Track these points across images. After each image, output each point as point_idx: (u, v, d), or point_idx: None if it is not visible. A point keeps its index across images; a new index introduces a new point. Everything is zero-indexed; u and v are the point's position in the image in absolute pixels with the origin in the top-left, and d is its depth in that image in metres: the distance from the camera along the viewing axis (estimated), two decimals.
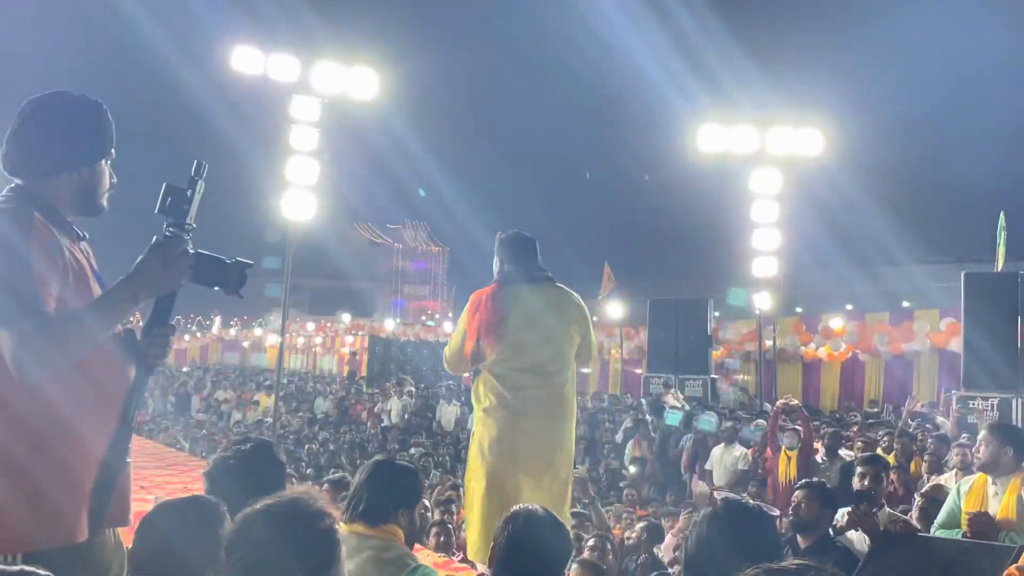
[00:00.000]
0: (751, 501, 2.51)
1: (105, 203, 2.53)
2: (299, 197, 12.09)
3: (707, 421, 11.33)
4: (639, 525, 7.13)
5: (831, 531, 4.78)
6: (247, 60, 12.16)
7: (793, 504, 4.68)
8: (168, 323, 2.44)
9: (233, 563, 1.87)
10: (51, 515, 2.26)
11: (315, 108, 12.39)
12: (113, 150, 2.53)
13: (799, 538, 4.60)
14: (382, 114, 15.71)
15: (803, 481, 4.93)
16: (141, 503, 5.58)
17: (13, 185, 2.41)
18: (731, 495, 2.49)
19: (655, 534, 7.02)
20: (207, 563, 2.34)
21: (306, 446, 14.63)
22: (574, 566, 4.91)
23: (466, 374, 4.86)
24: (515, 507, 2.92)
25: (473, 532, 4.53)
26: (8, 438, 2.23)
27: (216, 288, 2.56)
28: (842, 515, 4.84)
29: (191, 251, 2.43)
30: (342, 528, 2.76)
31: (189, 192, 2.43)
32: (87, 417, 2.32)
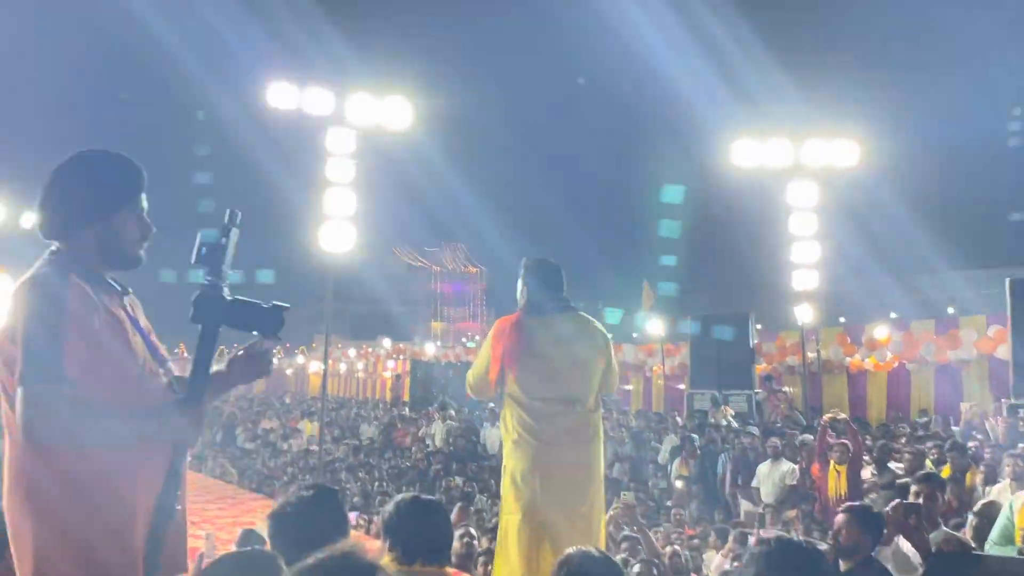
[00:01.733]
0: (802, 539, 2.50)
1: (139, 254, 2.56)
2: (337, 228, 12.22)
3: None
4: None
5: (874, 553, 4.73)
6: (282, 95, 12.34)
7: (834, 529, 4.63)
8: (201, 404, 2.47)
9: None
10: (109, 566, 2.31)
11: (350, 140, 12.53)
12: (140, 200, 2.56)
13: (840, 562, 4.53)
14: (417, 141, 15.84)
15: (845, 505, 4.86)
16: (193, 539, 5.67)
17: (51, 248, 2.49)
18: (783, 534, 2.48)
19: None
20: None
21: (358, 473, 14.69)
22: None
23: (490, 400, 4.87)
24: (570, 550, 2.93)
25: (506, 568, 4.49)
26: (58, 495, 2.28)
27: (254, 333, 2.62)
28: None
29: (228, 298, 2.48)
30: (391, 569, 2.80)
31: (223, 240, 2.48)
32: (137, 470, 2.37)
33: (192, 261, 2.46)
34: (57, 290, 2.33)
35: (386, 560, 3.02)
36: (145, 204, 2.58)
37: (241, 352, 2.62)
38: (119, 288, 2.57)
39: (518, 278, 4.72)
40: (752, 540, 6.90)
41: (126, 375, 2.42)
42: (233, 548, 4.12)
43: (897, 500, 5.06)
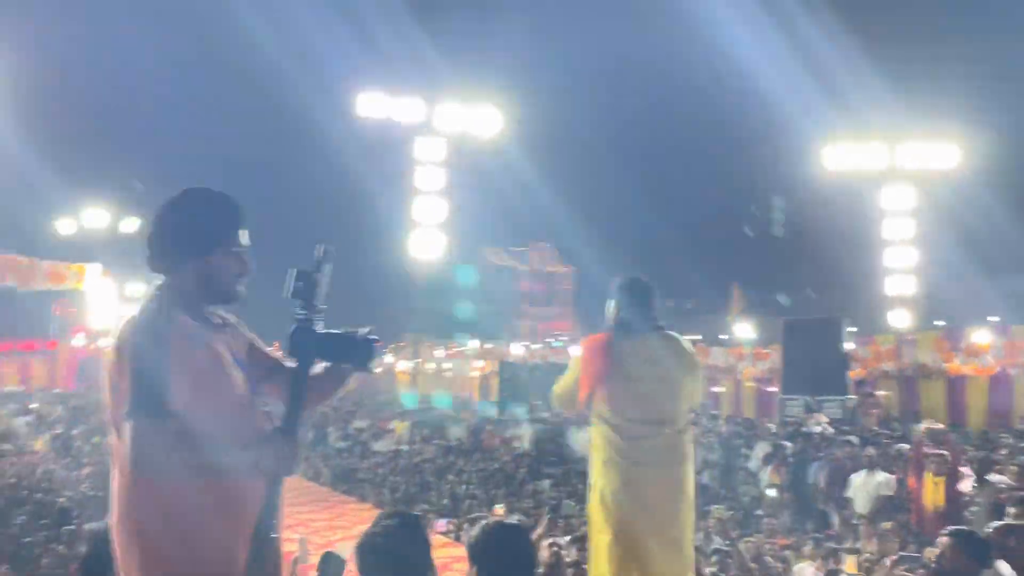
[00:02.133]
0: None
1: (238, 289, 2.67)
2: (426, 236, 12.38)
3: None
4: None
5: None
6: (373, 104, 12.54)
7: (938, 552, 4.51)
8: (296, 436, 2.55)
9: None
10: None
11: (440, 147, 12.68)
12: (239, 237, 2.65)
13: None
14: (505, 147, 15.94)
15: (951, 529, 4.72)
16: (288, 543, 5.82)
17: (159, 283, 2.61)
18: None
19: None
20: None
21: (446, 475, 14.81)
22: None
23: (577, 415, 4.87)
24: None
25: None
26: (162, 527, 2.40)
27: (347, 365, 2.69)
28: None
29: (322, 331, 2.57)
30: None
31: (316, 276, 2.56)
32: (236, 502, 2.47)
33: (285, 295, 2.54)
34: (162, 327, 2.45)
35: None
36: (245, 240, 2.67)
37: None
38: (220, 322, 2.67)
39: (610, 296, 4.73)
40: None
41: (225, 409, 2.52)
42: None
43: (1000, 523, 4.89)
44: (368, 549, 3.07)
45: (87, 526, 3.59)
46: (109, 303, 23.94)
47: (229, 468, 2.44)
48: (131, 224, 26.53)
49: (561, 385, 4.78)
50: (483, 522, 3.34)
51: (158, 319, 2.48)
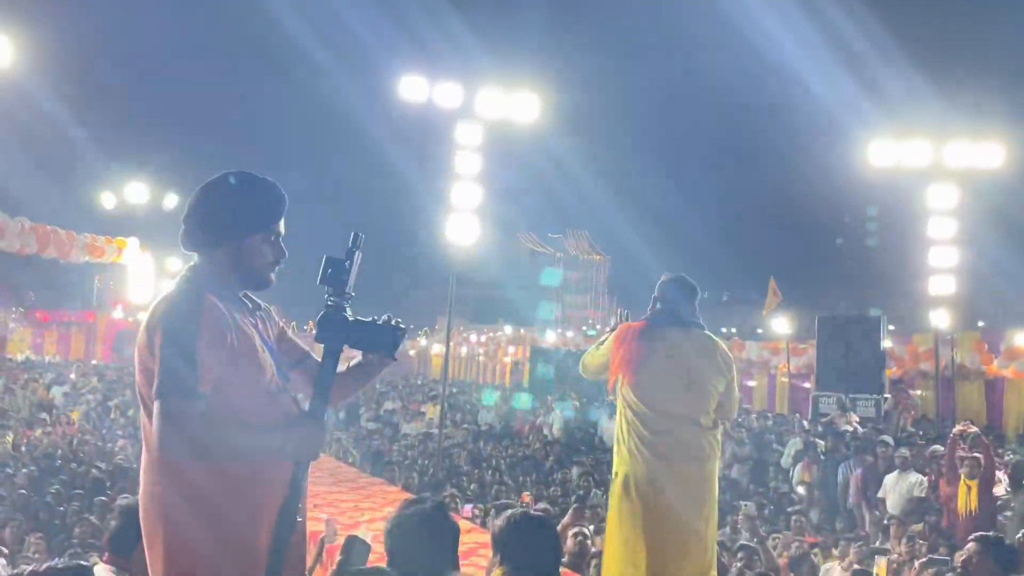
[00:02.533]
0: None
1: (270, 277, 2.65)
2: (463, 220, 12.43)
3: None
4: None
5: None
6: (414, 88, 12.58)
7: (964, 557, 4.45)
8: (323, 420, 2.58)
9: None
10: (234, 574, 2.43)
11: (478, 133, 12.71)
12: (277, 226, 2.65)
13: None
14: (544, 133, 15.91)
15: (978, 535, 4.65)
16: (315, 522, 5.85)
17: (191, 263, 2.61)
18: None
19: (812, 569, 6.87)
20: None
21: (476, 461, 14.86)
22: None
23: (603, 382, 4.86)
24: None
25: (609, 567, 4.52)
26: (188, 507, 2.41)
27: (372, 353, 2.71)
28: None
29: (351, 318, 2.58)
30: None
31: (348, 263, 2.57)
32: (262, 483, 2.48)
33: (318, 282, 2.55)
34: (193, 307, 2.44)
35: (497, 574, 3.06)
36: (282, 229, 2.67)
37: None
38: (251, 304, 2.67)
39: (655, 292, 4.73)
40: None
41: (254, 391, 2.52)
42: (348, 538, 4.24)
43: None
44: (396, 533, 3.08)
45: (119, 500, 3.62)
46: (148, 278, 24.20)
47: (255, 451, 2.45)
48: (171, 200, 26.83)
49: (592, 356, 4.83)
50: (508, 512, 3.32)
51: (189, 299, 2.47)
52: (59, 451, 12.47)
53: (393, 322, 2.66)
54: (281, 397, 2.61)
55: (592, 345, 4.93)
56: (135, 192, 27.82)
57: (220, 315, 2.47)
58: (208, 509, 2.41)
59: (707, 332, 4.68)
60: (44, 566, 2.66)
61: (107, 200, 28.69)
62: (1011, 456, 10.67)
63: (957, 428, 9.62)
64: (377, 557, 3.62)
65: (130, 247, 23.57)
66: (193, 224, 2.59)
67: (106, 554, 3.34)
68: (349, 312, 2.58)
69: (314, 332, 2.58)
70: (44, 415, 16.59)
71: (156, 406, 2.34)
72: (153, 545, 2.46)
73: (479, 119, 12.79)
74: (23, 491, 9.63)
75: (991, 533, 4.82)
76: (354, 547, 2.84)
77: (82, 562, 3.02)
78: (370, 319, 2.63)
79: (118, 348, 35.27)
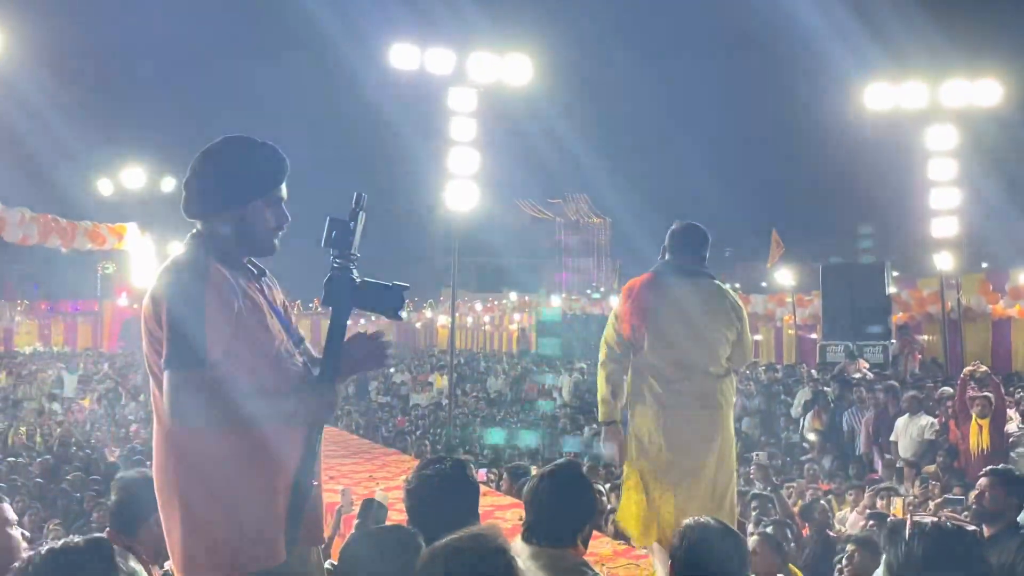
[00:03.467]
0: (957, 524, 2.39)
1: (274, 243, 2.62)
2: (461, 187, 12.38)
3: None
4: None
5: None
6: (405, 56, 12.46)
7: (976, 492, 4.44)
8: (334, 383, 2.56)
9: None
10: (253, 540, 2.42)
11: (472, 98, 12.61)
12: (279, 190, 2.61)
13: (984, 527, 4.32)
14: (538, 96, 15.79)
15: (988, 468, 4.63)
16: (330, 494, 5.88)
17: (193, 231, 2.57)
18: (931, 519, 2.36)
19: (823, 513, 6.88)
20: None
21: (487, 427, 14.90)
22: (754, 538, 4.85)
23: (626, 364, 4.69)
24: (688, 521, 2.89)
25: (631, 522, 4.49)
26: (203, 475, 2.40)
27: (378, 313, 2.68)
28: None
29: (358, 280, 2.55)
30: (517, 546, 2.83)
31: (352, 224, 2.54)
32: (276, 448, 2.46)
33: (322, 244, 2.52)
34: (199, 275, 2.41)
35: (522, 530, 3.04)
36: (284, 194, 2.63)
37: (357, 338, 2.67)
38: (256, 271, 2.64)
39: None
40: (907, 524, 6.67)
41: (264, 357, 2.50)
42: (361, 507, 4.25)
43: None
44: (418, 491, 3.07)
45: (118, 476, 3.61)
46: (150, 263, 24.19)
47: (269, 416, 2.43)
48: (169, 183, 26.67)
49: (608, 334, 4.64)
50: (544, 469, 3.23)
51: (194, 268, 2.45)
52: (73, 438, 12.53)
53: (395, 283, 2.63)
54: (291, 362, 2.59)
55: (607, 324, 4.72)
56: (132, 177, 27.65)
57: (226, 282, 2.45)
58: (223, 477, 2.41)
59: (716, 281, 4.59)
60: (61, 542, 2.67)
61: (104, 187, 28.53)
62: (1021, 394, 10.68)
63: (967, 369, 9.63)
64: (393, 521, 3.64)
65: (130, 233, 23.49)
66: (194, 191, 2.56)
67: (107, 530, 3.32)
68: (355, 274, 2.55)
69: (322, 295, 2.55)
70: (55, 405, 16.66)
71: (166, 375, 2.33)
72: (170, 516, 2.46)
73: (472, 83, 12.70)
74: (39, 480, 9.69)
75: (1001, 466, 4.79)
76: (372, 508, 2.84)
77: (99, 535, 3.02)
78: (376, 280, 2.60)
79: (125, 336, 35.33)
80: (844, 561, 5.09)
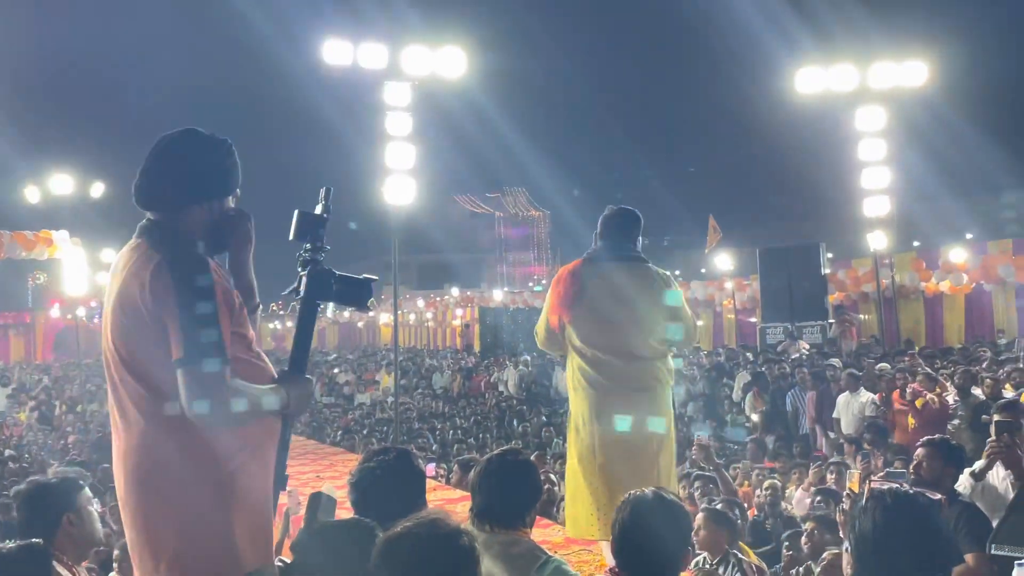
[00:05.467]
0: (911, 489, 2.41)
1: (230, 241, 2.55)
2: (399, 182, 12.29)
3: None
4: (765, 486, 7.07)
5: (972, 476, 4.63)
6: (338, 52, 12.32)
7: (914, 463, 4.52)
8: (305, 374, 2.57)
9: None
10: (252, 539, 2.40)
11: (406, 93, 12.52)
12: (239, 190, 2.56)
13: None
14: (473, 88, 15.75)
15: (925, 439, 4.71)
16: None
17: (153, 220, 2.44)
18: (893, 486, 2.38)
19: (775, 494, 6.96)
20: None
21: (434, 423, 14.87)
22: (700, 515, 4.85)
23: (560, 353, 4.71)
24: (626, 495, 2.88)
25: (573, 510, 4.50)
26: (206, 470, 2.34)
27: (350, 306, 2.72)
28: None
29: (336, 274, 2.55)
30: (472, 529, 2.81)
31: (325, 216, 2.55)
32: (265, 442, 2.45)
33: (291, 237, 2.51)
34: (203, 267, 2.32)
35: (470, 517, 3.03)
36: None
37: None
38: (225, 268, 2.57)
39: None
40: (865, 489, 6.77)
41: (247, 352, 2.45)
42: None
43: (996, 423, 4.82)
44: (363, 482, 3.03)
45: (13, 491, 3.51)
46: (82, 271, 23.61)
47: (265, 410, 2.39)
48: (98, 189, 25.98)
49: (540, 324, 4.64)
50: (492, 454, 3.23)
51: (196, 260, 2.35)
52: (9, 452, 12.20)
53: (364, 276, 2.64)
54: (263, 357, 2.55)
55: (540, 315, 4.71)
56: (60, 183, 26.93)
57: (224, 275, 2.40)
58: (228, 475, 2.35)
59: (650, 264, 4.51)
60: None
61: (31, 194, 27.74)
62: (954, 368, 10.92)
63: (903, 346, 9.84)
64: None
65: (58, 240, 22.86)
66: (161, 180, 2.43)
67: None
68: (328, 266, 2.56)
69: (302, 287, 2.52)
70: None
71: (186, 372, 2.22)
72: (154, 525, 2.35)
73: (407, 77, 12.61)
74: None
75: (938, 436, 4.88)
76: (320, 501, 2.77)
77: (35, 540, 2.94)
78: (347, 274, 2.60)
79: (59, 347, 34.51)
80: (804, 539, 5.12)
